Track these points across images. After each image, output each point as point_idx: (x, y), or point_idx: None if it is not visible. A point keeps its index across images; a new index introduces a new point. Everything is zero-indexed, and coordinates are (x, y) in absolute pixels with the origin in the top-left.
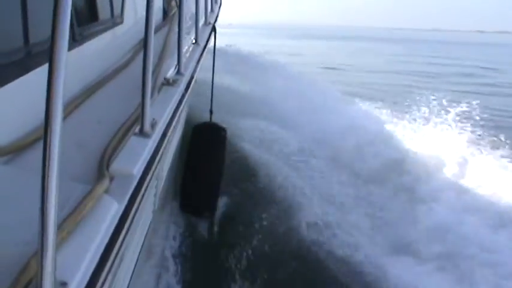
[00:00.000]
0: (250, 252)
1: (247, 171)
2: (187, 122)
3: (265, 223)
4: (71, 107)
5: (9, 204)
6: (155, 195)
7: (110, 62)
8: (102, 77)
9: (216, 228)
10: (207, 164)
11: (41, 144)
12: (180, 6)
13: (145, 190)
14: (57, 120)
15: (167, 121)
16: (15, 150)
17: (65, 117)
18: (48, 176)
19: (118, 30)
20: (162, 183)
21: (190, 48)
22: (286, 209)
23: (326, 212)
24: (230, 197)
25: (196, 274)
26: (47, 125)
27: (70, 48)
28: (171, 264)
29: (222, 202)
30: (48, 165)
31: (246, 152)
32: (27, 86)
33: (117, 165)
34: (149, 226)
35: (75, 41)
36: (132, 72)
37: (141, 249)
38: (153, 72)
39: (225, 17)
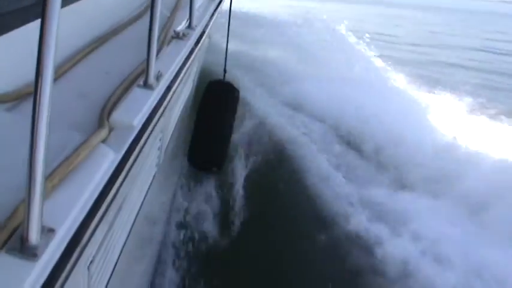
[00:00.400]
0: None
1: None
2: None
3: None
4: (79, 57)
5: (7, 149)
6: (159, 148)
7: (124, 13)
8: (113, 29)
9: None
10: (217, 120)
11: None
12: None
13: (145, 142)
14: (48, 72)
15: (173, 74)
16: (20, 97)
17: (71, 67)
18: (37, 123)
19: None
20: (168, 136)
21: (206, 3)
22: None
23: None
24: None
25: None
26: (38, 74)
27: None
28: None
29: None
30: (38, 112)
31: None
32: (34, 32)
33: (118, 115)
34: (152, 179)
35: None
36: (145, 24)
37: (143, 202)
38: (165, 25)
39: None
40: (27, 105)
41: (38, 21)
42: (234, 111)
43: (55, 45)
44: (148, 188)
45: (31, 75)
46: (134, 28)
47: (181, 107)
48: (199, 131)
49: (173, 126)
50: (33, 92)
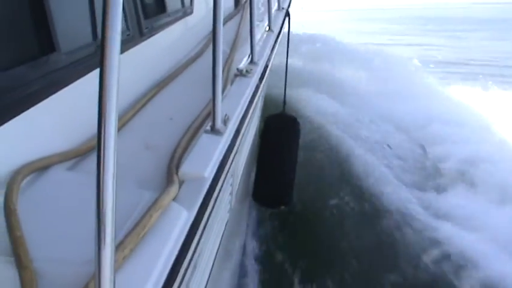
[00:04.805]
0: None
1: None
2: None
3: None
4: (140, 104)
5: (74, 214)
6: (231, 193)
7: (180, 54)
8: (172, 71)
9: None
10: (281, 158)
11: None
12: None
13: (218, 192)
14: (111, 129)
15: (241, 115)
16: (80, 153)
17: (134, 115)
18: (103, 183)
19: (188, 21)
20: (238, 179)
21: (264, 36)
22: None
23: None
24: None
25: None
26: (100, 135)
27: (137, 43)
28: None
29: None
30: (103, 169)
31: None
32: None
33: (187, 168)
34: (225, 227)
35: (142, 34)
36: (204, 64)
37: (217, 252)
38: (225, 63)
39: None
40: (90, 162)
41: (94, 72)
42: (296, 145)
43: (116, 94)
44: (222, 237)
45: (90, 130)
46: (194, 68)
47: (249, 147)
48: (265, 169)
49: (242, 168)
50: (97, 146)
